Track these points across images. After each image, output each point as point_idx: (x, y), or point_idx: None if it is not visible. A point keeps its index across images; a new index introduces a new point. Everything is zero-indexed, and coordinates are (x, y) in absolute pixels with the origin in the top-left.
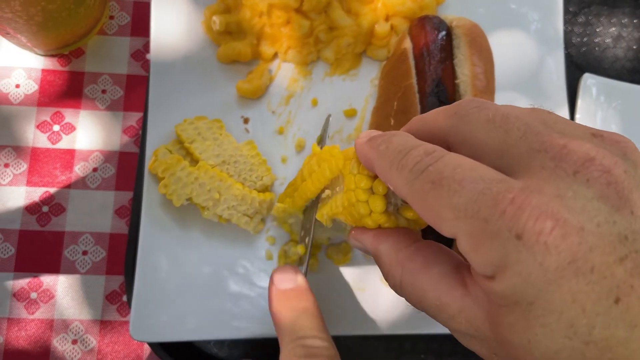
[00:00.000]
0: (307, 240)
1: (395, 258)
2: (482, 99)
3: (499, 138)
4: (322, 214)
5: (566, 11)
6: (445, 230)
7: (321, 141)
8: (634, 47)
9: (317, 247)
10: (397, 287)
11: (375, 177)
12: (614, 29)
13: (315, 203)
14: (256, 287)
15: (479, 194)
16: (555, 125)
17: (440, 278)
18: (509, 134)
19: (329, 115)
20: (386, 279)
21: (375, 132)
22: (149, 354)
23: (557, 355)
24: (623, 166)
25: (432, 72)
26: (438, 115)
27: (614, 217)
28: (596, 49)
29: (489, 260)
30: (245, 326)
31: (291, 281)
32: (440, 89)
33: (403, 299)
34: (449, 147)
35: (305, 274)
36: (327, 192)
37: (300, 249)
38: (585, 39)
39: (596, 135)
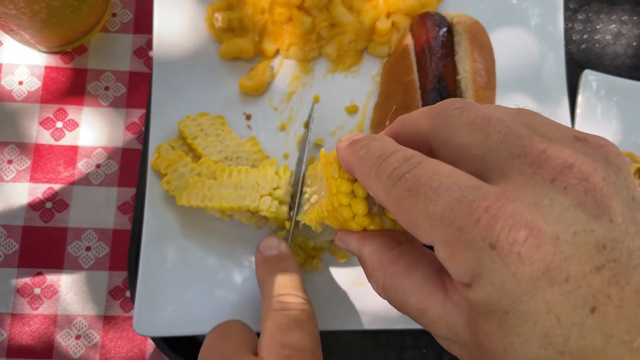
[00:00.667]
0: (291, 213)
1: (378, 261)
2: (465, 100)
3: (479, 141)
4: (311, 219)
5: (566, 8)
6: (422, 238)
7: (307, 126)
8: (634, 44)
9: (319, 249)
10: (380, 291)
11: (355, 180)
12: (613, 25)
13: (299, 179)
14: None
15: (454, 202)
16: (538, 128)
17: (422, 282)
18: (490, 137)
19: (314, 103)
20: (370, 282)
21: (356, 136)
22: (152, 349)
23: None
24: (602, 172)
25: (434, 68)
26: (420, 117)
27: (592, 225)
28: (596, 45)
29: (465, 268)
30: (248, 321)
31: (275, 249)
32: (442, 85)
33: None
34: (430, 150)
35: (290, 244)
36: (315, 196)
37: (286, 224)
38: (585, 36)
39: (579, 139)
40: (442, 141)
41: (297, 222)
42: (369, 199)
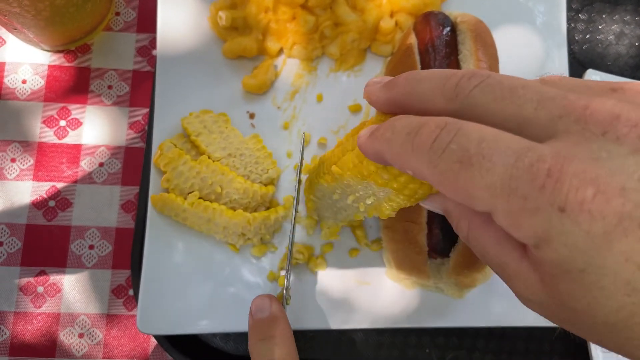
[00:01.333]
0: (288, 271)
1: (462, 212)
2: (477, 71)
3: (512, 114)
4: (387, 215)
5: (569, 8)
6: (479, 209)
7: (299, 165)
8: (637, 44)
9: (329, 246)
10: (466, 240)
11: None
12: (616, 26)
13: (292, 231)
14: (263, 282)
15: (512, 168)
16: (570, 86)
17: (501, 237)
18: (523, 107)
19: (303, 135)
20: (456, 232)
21: (373, 126)
22: (155, 348)
23: (619, 312)
24: None
25: (437, 67)
26: (433, 96)
27: None
28: (599, 45)
29: (531, 234)
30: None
31: (266, 310)
32: None
33: (408, 293)
34: None
35: (284, 302)
36: (371, 199)
37: (280, 280)
38: (588, 36)
39: (616, 90)
40: (469, 120)
41: (308, 186)
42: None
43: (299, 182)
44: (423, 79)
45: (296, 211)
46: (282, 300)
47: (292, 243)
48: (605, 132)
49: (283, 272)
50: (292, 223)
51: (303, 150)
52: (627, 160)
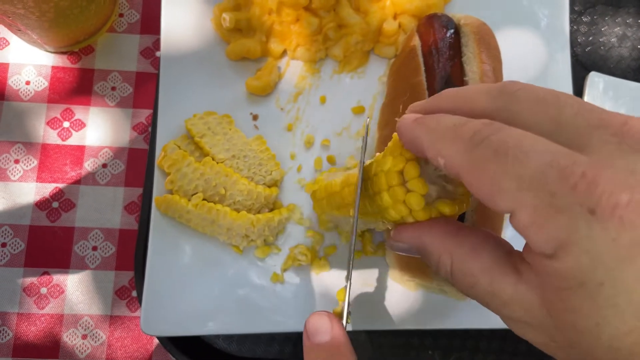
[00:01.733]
0: (347, 285)
1: (442, 247)
2: (522, 82)
3: (551, 116)
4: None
5: (571, 10)
6: (502, 203)
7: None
8: (639, 47)
9: (332, 248)
10: (449, 276)
11: (409, 160)
12: (618, 28)
13: (352, 245)
14: (266, 283)
15: (546, 166)
16: (602, 108)
17: (491, 264)
18: (562, 111)
19: (367, 120)
20: (436, 271)
21: (417, 114)
22: (158, 349)
23: (627, 336)
24: None
25: (441, 69)
26: (478, 95)
27: None
28: (601, 48)
29: (553, 236)
30: (254, 322)
31: (326, 333)
32: (449, 86)
33: (411, 295)
34: None
35: (345, 325)
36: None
37: (338, 294)
38: (590, 38)
39: None
40: (506, 120)
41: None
42: (422, 188)
43: (360, 179)
44: (468, 87)
45: (356, 219)
46: (341, 318)
47: (352, 252)
48: None
49: (342, 285)
50: (354, 230)
51: (366, 141)
52: None
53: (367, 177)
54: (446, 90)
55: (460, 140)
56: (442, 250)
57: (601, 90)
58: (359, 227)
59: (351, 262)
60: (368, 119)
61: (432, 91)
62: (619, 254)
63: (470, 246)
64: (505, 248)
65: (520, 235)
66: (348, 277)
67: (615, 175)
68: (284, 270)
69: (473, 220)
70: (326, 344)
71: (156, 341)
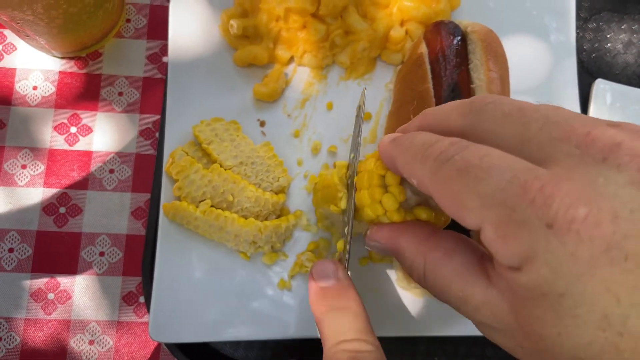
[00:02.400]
0: (346, 230)
1: (416, 250)
2: (495, 95)
3: (517, 131)
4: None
5: (577, 17)
6: (470, 221)
7: (359, 113)
8: None
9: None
10: (421, 280)
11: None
12: (624, 35)
13: (351, 195)
14: (275, 288)
15: (506, 182)
16: (570, 116)
17: (463, 269)
18: (528, 126)
19: (364, 89)
20: (409, 273)
21: (396, 134)
22: (165, 355)
23: (590, 347)
24: None
25: (448, 76)
26: (452, 113)
27: None
28: (607, 54)
29: (516, 250)
30: (261, 328)
31: (332, 277)
32: (456, 94)
33: (418, 301)
34: None
35: (347, 269)
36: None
37: (339, 245)
38: (596, 45)
39: (614, 125)
40: (478, 135)
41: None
42: (399, 195)
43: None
44: (444, 105)
45: (352, 219)
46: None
47: (353, 208)
48: (606, 159)
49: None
50: (349, 227)
51: (361, 124)
52: (624, 189)
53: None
54: (426, 109)
55: (428, 161)
56: (416, 253)
57: (609, 97)
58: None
59: (351, 215)
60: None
61: (439, 99)
62: (577, 267)
63: (444, 251)
64: (478, 253)
65: (489, 249)
66: (348, 230)
67: (573, 188)
68: (291, 276)
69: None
70: (333, 286)
71: (163, 347)
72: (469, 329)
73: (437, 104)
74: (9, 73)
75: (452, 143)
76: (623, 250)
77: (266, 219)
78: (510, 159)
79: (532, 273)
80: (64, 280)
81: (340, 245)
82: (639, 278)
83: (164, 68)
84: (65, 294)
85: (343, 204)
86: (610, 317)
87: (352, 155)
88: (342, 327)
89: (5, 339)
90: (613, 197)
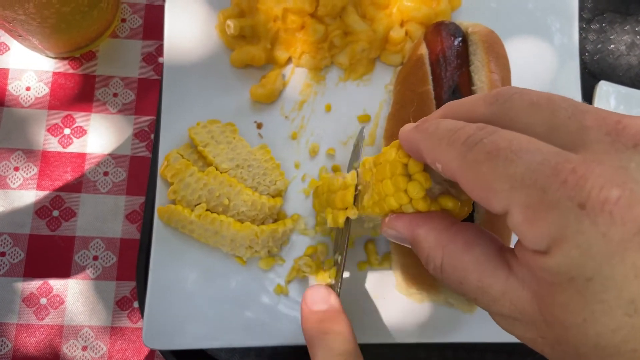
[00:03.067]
0: (339, 259)
1: (435, 240)
2: (519, 87)
3: (545, 119)
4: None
5: (580, 18)
6: (497, 204)
7: (356, 157)
8: None
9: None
10: (438, 270)
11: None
12: (627, 36)
13: (347, 221)
14: (270, 295)
15: (537, 164)
16: (597, 108)
17: (483, 259)
18: (556, 114)
19: (363, 128)
20: (426, 264)
21: (419, 121)
22: None
23: (615, 333)
24: None
25: (449, 78)
26: (477, 103)
27: None
28: (610, 56)
29: (546, 232)
30: (257, 335)
31: (324, 302)
32: (457, 96)
33: (417, 307)
34: None
35: (339, 294)
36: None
37: (331, 272)
38: (599, 46)
39: None
40: (504, 124)
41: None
42: (426, 182)
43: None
44: (468, 97)
45: (346, 250)
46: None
47: (349, 233)
48: (637, 145)
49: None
50: (347, 232)
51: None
52: None
53: (365, 178)
54: (449, 102)
55: (455, 145)
56: (435, 243)
57: (611, 99)
58: (357, 235)
59: (347, 240)
60: (364, 129)
61: (439, 100)
62: (608, 249)
63: (463, 241)
64: (497, 244)
65: (515, 234)
66: (341, 253)
67: (606, 171)
68: (288, 281)
69: None
70: (325, 311)
71: (158, 353)
72: (469, 335)
73: (437, 106)
74: (2, 73)
75: (480, 128)
76: None
77: (263, 223)
78: (540, 143)
79: (561, 256)
80: (56, 285)
81: (332, 272)
82: None
83: (159, 69)
84: (58, 299)
85: (341, 222)
86: (637, 302)
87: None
88: (332, 350)
89: None
90: None
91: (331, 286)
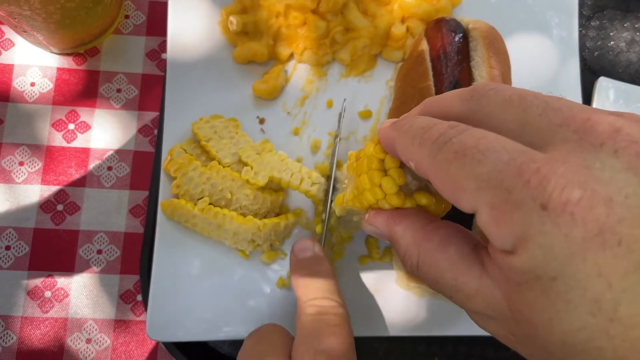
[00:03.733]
0: (323, 216)
1: (411, 238)
2: (497, 83)
3: (517, 117)
4: (335, 206)
5: (580, 15)
6: (466, 203)
7: (339, 125)
8: None
9: (338, 254)
10: (414, 268)
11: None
12: (627, 33)
13: (329, 184)
14: (272, 288)
15: (503, 164)
16: (572, 105)
17: (457, 258)
18: (528, 112)
19: (345, 102)
20: (402, 262)
21: (396, 119)
22: (163, 353)
23: (579, 332)
24: None
25: (450, 74)
26: (453, 100)
27: None
28: (610, 53)
29: (510, 232)
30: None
31: (309, 250)
32: None
33: (418, 301)
34: None
35: (322, 245)
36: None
37: (317, 228)
38: (599, 43)
39: (615, 114)
40: (477, 121)
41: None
42: (399, 178)
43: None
44: (446, 93)
45: (330, 206)
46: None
47: (333, 187)
48: (603, 144)
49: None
50: (327, 211)
51: (341, 121)
52: (620, 174)
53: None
54: (428, 98)
55: (426, 144)
56: (411, 241)
57: (611, 95)
58: (355, 229)
59: (330, 192)
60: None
61: None
62: (570, 249)
63: (439, 240)
64: (472, 241)
65: (484, 233)
66: (325, 216)
67: (569, 171)
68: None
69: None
70: (310, 257)
71: (161, 346)
72: (469, 329)
73: None
74: (7, 69)
75: (451, 126)
76: (616, 234)
77: (265, 217)
78: (508, 142)
79: (525, 255)
80: (61, 279)
81: (318, 228)
82: (630, 263)
83: (163, 65)
84: (63, 292)
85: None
86: (601, 302)
87: (337, 140)
88: (313, 288)
89: (1, 338)
90: (608, 182)
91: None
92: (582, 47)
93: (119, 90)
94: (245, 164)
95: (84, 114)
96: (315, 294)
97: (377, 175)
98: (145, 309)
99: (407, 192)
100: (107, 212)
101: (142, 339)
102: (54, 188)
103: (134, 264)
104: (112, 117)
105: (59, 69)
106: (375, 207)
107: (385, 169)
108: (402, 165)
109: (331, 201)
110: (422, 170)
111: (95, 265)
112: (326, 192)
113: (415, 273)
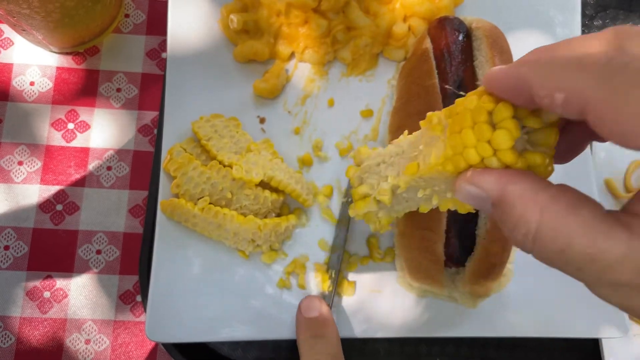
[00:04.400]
0: (333, 273)
1: (532, 200)
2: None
3: None
4: (396, 186)
5: (583, 14)
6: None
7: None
8: None
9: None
10: (529, 237)
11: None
12: None
13: (343, 232)
14: (273, 289)
15: None
16: None
17: (594, 221)
18: None
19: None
20: (512, 230)
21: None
22: (162, 354)
23: None
24: None
25: (454, 73)
26: (592, 42)
27: None
28: None
29: None
30: (259, 328)
31: (316, 310)
32: (462, 90)
33: (419, 302)
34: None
35: (330, 306)
36: (390, 178)
37: (324, 286)
38: None
39: None
40: (624, 65)
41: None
42: (515, 130)
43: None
44: (568, 39)
45: (339, 266)
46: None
47: (343, 250)
48: None
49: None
50: (336, 273)
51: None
52: None
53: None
54: (535, 49)
55: (592, 67)
56: (531, 204)
57: None
58: (402, 212)
59: (340, 256)
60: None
61: (444, 95)
62: None
63: (567, 202)
64: (603, 208)
65: None
66: (335, 274)
67: None
68: (289, 273)
69: (487, 228)
70: (316, 317)
71: (161, 347)
72: (471, 330)
73: (444, 99)
74: (6, 68)
75: (616, 48)
76: None
77: (266, 217)
78: None
79: None
80: (60, 279)
81: (325, 286)
82: None
83: (163, 64)
84: (62, 293)
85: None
86: None
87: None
88: (318, 350)
89: (0, 338)
90: None
91: (325, 297)
92: None
93: (118, 90)
94: (230, 166)
95: (83, 113)
96: (320, 357)
97: (486, 128)
98: (145, 310)
99: (516, 150)
100: (106, 212)
101: (141, 340)
102: (53, 188)
103: (134, 265)
104: (112, 116)
105: (58, 68)
106: (477, 167)
107: (494, 123)
108: (514, 116)
109: (340, 262)
110: (582, 99)
111: (94, 265)
112: (337, 243)
113: (529, 245)
